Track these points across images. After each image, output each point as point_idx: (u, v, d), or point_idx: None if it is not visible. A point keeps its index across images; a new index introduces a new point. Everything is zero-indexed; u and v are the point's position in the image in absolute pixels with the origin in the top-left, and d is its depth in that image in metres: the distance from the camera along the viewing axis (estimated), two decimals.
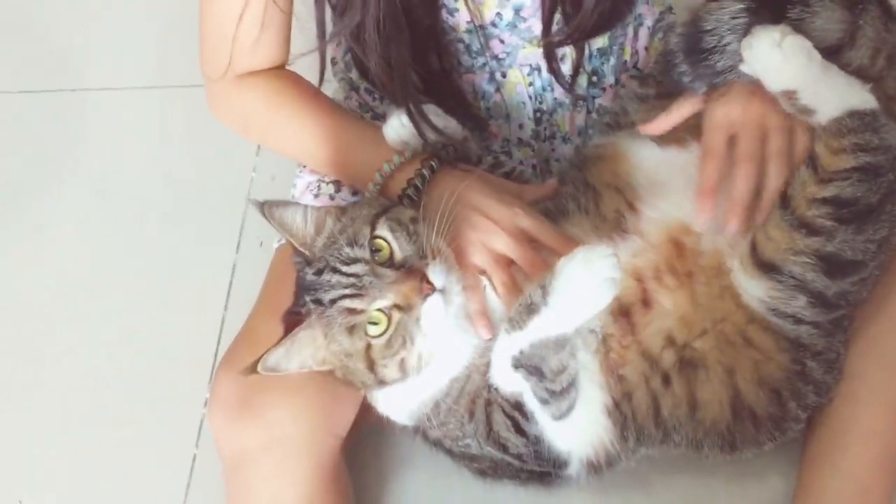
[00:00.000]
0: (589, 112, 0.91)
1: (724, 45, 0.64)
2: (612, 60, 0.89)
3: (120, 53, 1.30)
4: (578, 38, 0.81)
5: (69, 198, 1.17)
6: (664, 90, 0.76)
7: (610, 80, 0.90)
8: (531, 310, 0.61)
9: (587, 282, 0.59)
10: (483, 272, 0.69)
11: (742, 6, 0.64)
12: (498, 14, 0.83)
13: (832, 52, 0.65)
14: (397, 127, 0.75)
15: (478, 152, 0.81)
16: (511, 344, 0.63)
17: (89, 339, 1.04)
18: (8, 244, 1.14)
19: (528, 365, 0.62)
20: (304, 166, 0.86)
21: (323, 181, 0.83)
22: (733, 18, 0.64)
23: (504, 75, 0.87)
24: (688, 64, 0.66)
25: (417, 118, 0.74)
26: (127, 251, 1.10)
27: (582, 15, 0.77)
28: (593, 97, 0.90)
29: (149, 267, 1.08)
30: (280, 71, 0.82)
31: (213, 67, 0.80)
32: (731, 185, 0.65)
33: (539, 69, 0.86)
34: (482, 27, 0.83)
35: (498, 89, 0.88)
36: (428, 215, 0.68)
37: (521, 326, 0.61)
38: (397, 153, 0.75)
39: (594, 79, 0.89)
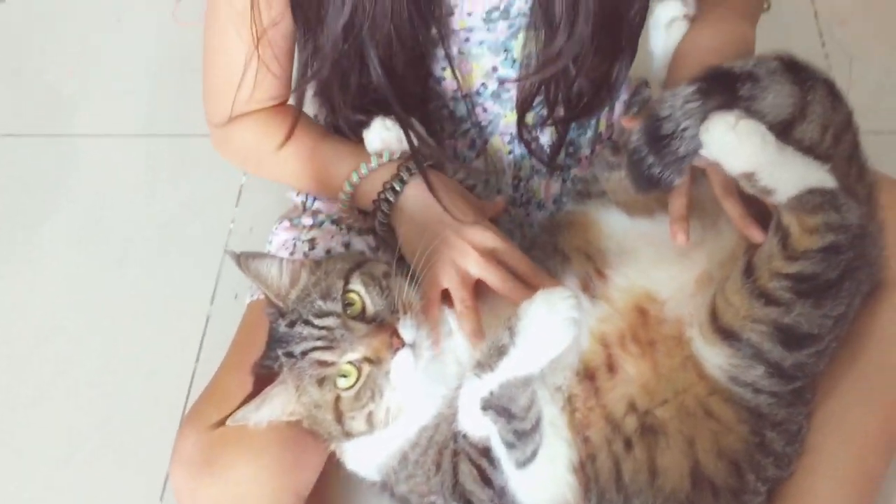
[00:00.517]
0: (564, 181, 0.93)
1: (682, 131, 0.66)
2: (589, 133, 0.92)
3: (107, 101, 1.32)
4: (558, 122, 0.85)
5: (49, 241, 1.18)
6: None
7: (585, 151, 0.92)
8: (501, 351, 0.62)
9: (549, 323, 0.61)
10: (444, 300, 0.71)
11: (693, 88, 0.66)
12: (483, 84, 0.86)
13: (785, 127, 0.67)
14: (380, 130, 0.78)
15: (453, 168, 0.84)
16: (481, 386, 0.64)
17: (62, 384, 1.04)
18: None
19: (498, 406, 0.63)
20: (280, 222, 0.88)
21: (298, 240, 0.84)
22: (686, 102, 0.66)
23: (485, 142, 0.90)
24: (653, 155, 0.68)
25: (404, 122, 0.77)
26: (104, 298, 1.11)
27: (565, 105, 0.82)
28: (569, 167, 0.93)
29: (125, 315, 1.08)
30: (274, 106, 0.85)
31: (216, 116, 0.85)
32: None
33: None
34: (467, 95, 0.86)
35: (479, 155, 0.90)
36: (404, 242, 0.71)
37: (491, 368, 0.62)
38: (375, 156, 0.78)
39: (570, 150, 0.92)
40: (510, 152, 0.90)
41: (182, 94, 1.29)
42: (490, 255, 0.71)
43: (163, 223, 1.17)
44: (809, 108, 0.68)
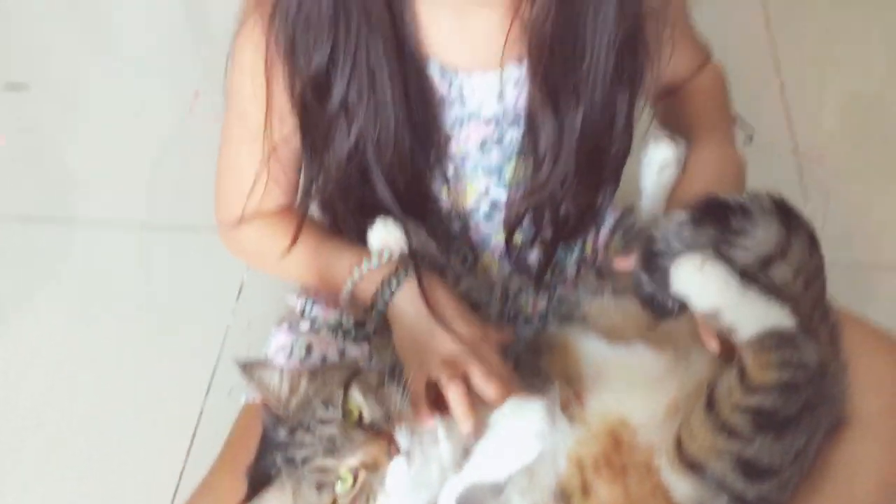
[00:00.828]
0: (550, 299, 0.98)
1: (674, 253, 0.71)
2: (575, 254, 0.97)
3: (120, 189, 1.37)
4: (545, 243, 0.90)
5: (46, 325, 1.20)
6: (620, 286, 0.83)
7: (571, 271, 0.97)
8: (466, 454, 0.66)
9: (516, 432, 0.65)
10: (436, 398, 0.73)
11: (688, 216, 0.71)
12: (476, 204, 0.91)
13: (765, 263, 0.72)
14: (382, 231, 0.82)
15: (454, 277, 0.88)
16: (452, 487, 0.67)
17: (50, 474, 1.05)
18: None
19: None
20: (279, 326, 0.92)
21: (296, 344, 0.88)
22: (681, 228, 0.71)
23: (476, 258, 0.95)
24: (647, 275, 0.72)
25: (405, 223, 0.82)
26: (98, 386, 1.13)
27: (552, 227, 0.88)
28: (555, 286, 0.98)
29: (118, 405, 1.10)
30: (280, 210, 0.90)
31: (225, 219, 0.90)
32: None
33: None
34: (461, 214, 0.92)
35: (470, 270, 0.95)
36: (398, 347, 0.75)
37: (458, 469, 0.66)
38: (376, 255, 0.82)
39: (557, 269, 0.97)
40: (499, 269, 0.95)
41: (194, 186, 1.35)
42: (482, 357, 0.74)
43: (160, 315, 1.21)
44: (790, 250, 0.73)
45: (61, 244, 1.30)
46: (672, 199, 0.83)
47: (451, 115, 0.84)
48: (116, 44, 1.62)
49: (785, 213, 0.72)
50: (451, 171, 0.88)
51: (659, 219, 0.76)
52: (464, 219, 0.92)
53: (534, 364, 0.81)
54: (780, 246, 0.72)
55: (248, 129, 0.84)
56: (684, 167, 0.84)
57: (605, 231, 1.00)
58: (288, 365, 0.86)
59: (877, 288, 1.19)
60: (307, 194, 0.85)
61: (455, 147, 0.87)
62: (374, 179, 0.83)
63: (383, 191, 0.83)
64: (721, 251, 0.71)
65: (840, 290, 1.18)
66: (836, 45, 1.56)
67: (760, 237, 0.71)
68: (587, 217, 0.90)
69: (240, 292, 1.22)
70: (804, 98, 1.45)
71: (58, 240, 1.31)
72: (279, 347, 0.89)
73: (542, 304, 0.97)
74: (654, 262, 0.72)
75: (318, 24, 0.75)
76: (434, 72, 0.81)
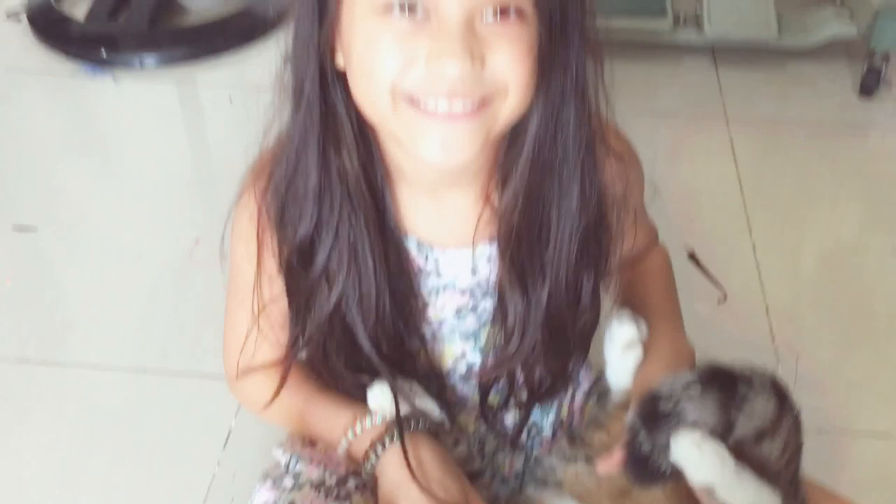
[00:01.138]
0: (527, 459, 1.01)
1: (679, 412, 0.74)
2: (551, 416, 1.01)
3: (109, 332, 1.41)
4: (520, 405, 0.95)
5: (32, 467, 1.22)
6: (592, 453, 0.87)
7: (547, 433, 1.01)
8: None
9: None
10: None
11: (695, 378, 0.75)
12: (453, 366, 0.96)
13: (759, 436, 0.75)
14: (378, 395, 0.86)
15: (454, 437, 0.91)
16: None
17: None
18: None
19: None
20: (263, 482, 0.95)
21: (279, 501, 0.90)
22: (687, 387, 0.75)
23: (454, 418, 0.98)
24: (646, 430, 0.75)
25: (396, 390, 0.86)
26: None
27: (526, 392, 0.92)
28: (532, 447, 1.01)
29: None
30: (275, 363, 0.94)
31: (228, 371, 0.96)
32: None
33: None
34: (439, 375, 0.96)
35: (449, 430, 0.99)
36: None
37: None
38: (366, 418, 0.86)
39: (533, 431, 1.01)
40: (476, 430, 0.99)
41: (187, 333, 1.40)
42: None
43: (146, 460, 1.23)
44: (781, 427, 0.76)
45: (54, 386, 1.33)
46: (636, 380, 0.87)
47: (427, 283, 0.89)
48: (123, 189, 1.70)
49: (780, 393, 0.76)
50: (429, 335, 0.93)
51: (665, 378, 0.78)
52: (441, 379, 0.96)
53: None
54: (773, 422, 0.76)
55: (242, 290, 0.90)
56: (645, 350, 0.89)
57: (580, 394, 1.05)
58: None
59: (846, 452, 1.22)
60: (292, 349, 0.90)
61: (432, 313, 0.92)
62: (359, 339, 0.87)
63: (369, 351, 0.87)
64: (728, 416, 0.74)
65: (809, 455, 1.22)
66: (807, 207, 1.65)
67: (759, 410, 0.75)
68: (559, 381, 0.95)
69: (227, 441, 1.24)
70: (776, 259, 1.52)
71: (51, 382, 1.34)
72: None
73: (518, 463, 1.00)
74: (658, 421, 0.75)
75: (305, 199, 0.81)
76: (412, 246, 0.87)
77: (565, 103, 0.77)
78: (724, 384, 0.75)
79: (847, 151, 1.78)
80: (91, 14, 2.07)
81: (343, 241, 0.82)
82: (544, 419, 1.01)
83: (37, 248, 1.57)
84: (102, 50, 1.97)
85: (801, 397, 1.32)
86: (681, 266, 1.33)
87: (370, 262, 0.83)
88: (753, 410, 0.75)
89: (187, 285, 1.48)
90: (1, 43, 2.05)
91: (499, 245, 0.85)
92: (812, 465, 1.21)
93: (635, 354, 0.88)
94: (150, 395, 1.32)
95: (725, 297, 1.40)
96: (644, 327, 0.90)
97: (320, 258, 0.83)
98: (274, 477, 0.95)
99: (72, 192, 1.68)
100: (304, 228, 0.82)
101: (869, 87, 1.86)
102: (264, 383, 0.93)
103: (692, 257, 1.49)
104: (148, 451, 1.24)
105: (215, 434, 1.25)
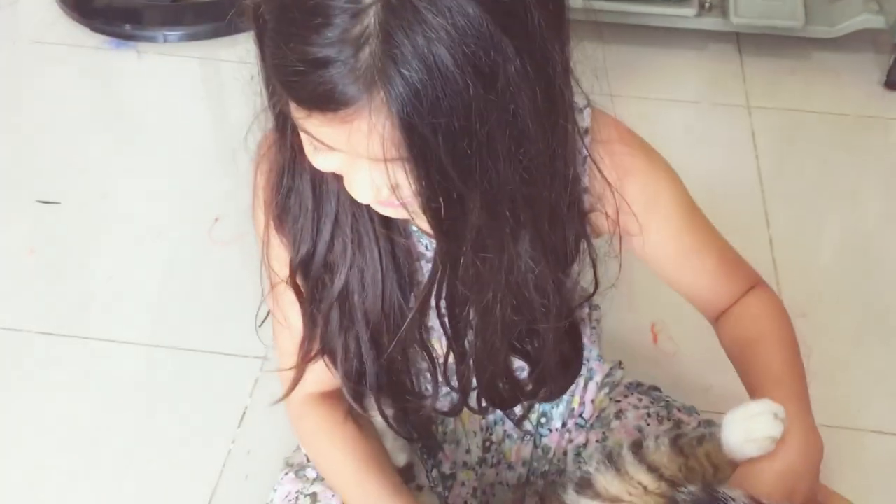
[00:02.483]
0: (535, 447, 1.03)
1: None
2: (561, 407, 1.02)
3: (128, 307, 1.43)
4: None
5: (47, 441, 1.25)
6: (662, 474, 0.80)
7: (557, 423, 1.02)
8: None
9: None
10: None
11: None
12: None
13: None
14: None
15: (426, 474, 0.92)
16: None
17: None
18: None
19: None
20: (286, 473, 0.96)
21: (301, 493, 0.92)
22: None
23: (462, 405, 1.00)
24: None
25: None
26: (98, 499, 1.17)
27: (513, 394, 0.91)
28: (540, 435, 1.03)
29: None
30: (324, 400, 0.93)
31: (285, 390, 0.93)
32: None
33: None
34: (445, 363, 0.95)
35: (456, 416, 1.00)
36: None
37: None
38: None
39: (543, 420, 1.02)
40: (483, 418, 1.00)
41: (205, 310, 1.42)
42: None
43: (162, 437, 1.25)
44: None
45: (74, 359, 1.36)
46: (746, 466, 0.79)
47: (425, 269, 0.87)
48: (144, 164, 1.72)
49: None
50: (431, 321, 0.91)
51: None
52: (448, 367, 0.96)
53: None
54: None
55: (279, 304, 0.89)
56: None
57: (592, 385, 1.06)
58: None
59: (856, 449, 1.23)
60: (302, 352, 0.88)
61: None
62: (357, 331, 0.85)
63: (366, 349, 0.86)
64: None
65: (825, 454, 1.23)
66: (827, 201, 1.64)
67: None
68: (562, 378, 0.93)
69: (242, 418, 1.26)
70: (792, 253, 1.52)
71: (71, 354, 1.36)
72: (283, 496, 0.92)
73: (525, 450, 1.02)
74: None
75: (303, 193, 0.80)
76: (413, 230, 0.86)
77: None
78: None
79: (870, 144, 1.77)
80: None
81: (344, 229, 0.81)
82: (554, 409, 1.02)
83: (60, 222, 1.59)
84: (127, 24, 1.98)
85: (812, 392, 1.33)
86: None
87: (374, 248, 0.82)
88: None
89: (206, 263, 1.50)
90: (26, 16, 2.07)
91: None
92: (825, 463, 1.22)
93: (762, 449, 0.78)
94: (167, 370, 1.34)
95: None
96: (783, 424, 0.78)
97: (320, 249, 0.82)
98: (296, 467, 0.97)
99: (94, 167, 1.70)
100: (303, 220, 0.81)
101: (895, 79, 1.84)
102: (315, 412, 0.91)
103: None
104: (164, 427, 1.27)
105: (231, 411, 1.27)
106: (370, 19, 0.59)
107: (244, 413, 1.27)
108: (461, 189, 0.65)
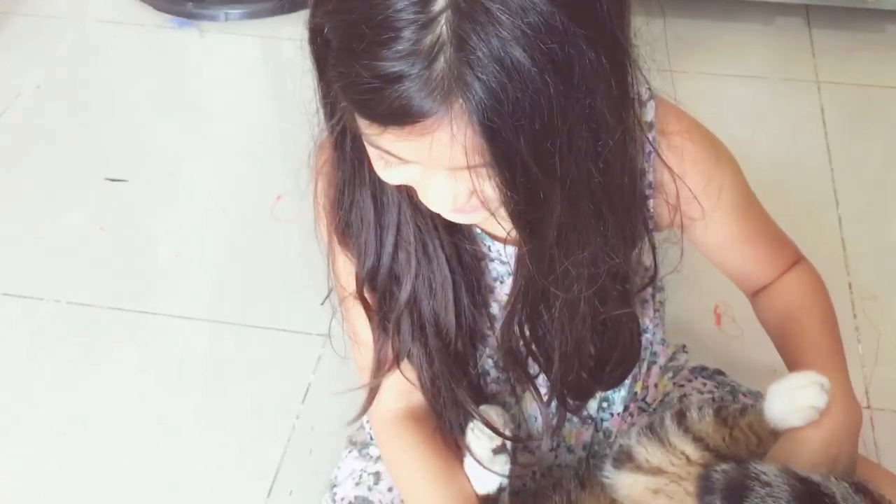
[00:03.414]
0: (596, 431, 1.03)
1: None
2: (623, 392, 1.02)
3: (194, 284, 1.46)
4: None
5: (114, 414, 1.28)
6: (708, 444, 0.81)
7: (618, 408, 1.02)
8: None
9: None
10: None
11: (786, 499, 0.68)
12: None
13: None
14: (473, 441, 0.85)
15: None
16: None
17: None
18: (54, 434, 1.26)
19: None
20: (349, 451, 0.97)
21: (365, 471, 0.93)
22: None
23: (523, 389, 1.00)
24: None
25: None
26: (163, 474, 1.20)
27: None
28: (602, 420, 1.02)
29: (182, 499, 1.17)
30: (408, 420, 0.91)
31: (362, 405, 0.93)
32: None
33: None
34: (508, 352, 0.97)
35: (517, 401, 1.00)
36: None
37: None
38: None
39: (604, 405, 1.02)
40: (577, 410, 0.99)
41: (267, 287, 1.44)
42: None
43: (227, 412, 1.28)
44: None
45: (142, 334, 1.39)
46: (791, 434, 0.80)
47: (492, 270, 0.88)
48: (208, 142, 1.74)
49: None
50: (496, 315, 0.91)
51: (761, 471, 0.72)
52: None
53: (572, 495, 0.85)
54: None
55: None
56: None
57: (655, 369, 1.05)
58: (356, 492, 0.92)
59: None
60: (379, 368, 0.88)
61: (498, 299, 0.90)
62: (428, 337, 0.85)
63: (438, 349, 0.86)
64: None
65: (889, 436, 1.20)
66: (895, 185, 1.59)
67: None
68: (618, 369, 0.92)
69: (306, 394, 1.29)
70: (862, 233, 1.48)
71: (139, 330, 1.40)
72: (348, 474, 0.94)
73: (586, 434, 1.02)
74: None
75: (364, 208, 0.80)
76: (477, 236, 0.86)
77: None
78: None
79: None
80: None
81: (408, 238, 0.81)
82: (615, 393, 1.02)
83: (128, 199, 1.63)
84: (189, 3, 2.01)
85: (882, 376, 1.30)
86: None
87: (441, 255, 0.82)
88: None
89: (269, 241, 1.52)
90: None
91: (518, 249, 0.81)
92: (889, 446, 1.20)
93: (808, 417, 0.79)
94: (231, 346, 1.37)
95: None
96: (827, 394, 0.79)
97: (385, 260, 0.82)
98: (360, 446, 0.98)
99: (160, 145, 1.73)
100: (366, 234, 0.81)
101: None
102: (412, 433, 0.90)
103: None
104: (229, 403, 1.29)
105: (295, 387, 1.30)
106: (441, 28, 0.58)
107: (308, 389, 1.29)
108: (545, 187, 0.64)
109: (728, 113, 1.70)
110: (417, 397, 0.90)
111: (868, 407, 1.23)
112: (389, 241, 0.81)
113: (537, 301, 0.81)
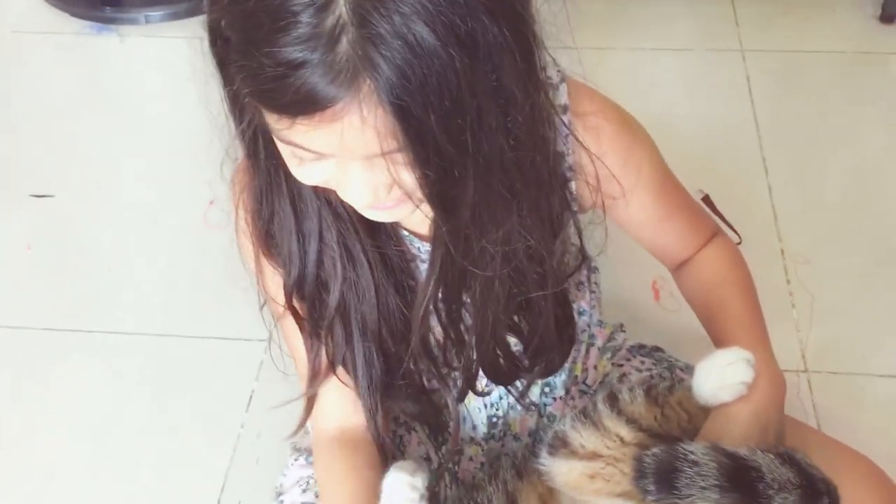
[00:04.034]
0: (541, 416, 1.03)
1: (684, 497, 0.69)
2: (564, 375, 1.02)
3: (129, 298, 1.43)
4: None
5: (58, 436, 1.26)
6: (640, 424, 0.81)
7: (560, 392, 1.02)
8: None
9: None
10: None
11: (715, 480, 0.69)
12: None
13: None
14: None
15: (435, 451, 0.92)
16: None
17: None
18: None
19: None
20: (296, 459, 0.96)
21: (312, 478, 0.92)
22: (706, 484, 0.69)
23: (441, 380, 0.99)
24: (656, 493, 0.71)
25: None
26: (110, 486, 1.18)
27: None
28: (545, 405, 1.03)
29: None
30: (346, 445, 0.90)
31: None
32: None
33: None
34: (446, 351, 0.96)
35: (462, 397, 1.00)
36: None
37: None
38: None
39: (546, 389, 1.02)
40: (488, 393, 1.00)
41: (205, 296, 1.42)
42: None
43: (172, 423, 1.26)
44: None
45: (78, 353, 1.36)
46: (719, 411, 0.81)
47: (423, 269, 0.87)
48: (135, 150, 1.70)
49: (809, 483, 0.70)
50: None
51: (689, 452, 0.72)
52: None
53: (506, 486, 0.86)
54: None
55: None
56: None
57: (594, 351, 1.06)
58: (303, 499, 0.91)
59: (861, 395, 1.23)
60: (314, 376, 0.88)
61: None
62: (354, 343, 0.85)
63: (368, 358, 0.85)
64: None
65: (827, 398, 1.23)
66: (826, 144, 1.61)
67: None
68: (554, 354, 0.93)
69: (249, 402, 1.27)
70: (792, 200, 1.50)
71: (75, 348, 1.37)
72: (294, 482, 0.93)
73: (531, 421, 1.02)
74: (668, 487, 0.71)
75: (284, 215, 0.79)
76: (405, 237, 0.86)
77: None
78: (745, 487, 0.69)
79: (868, 81, 1.74)
80: None
81: (330, 244, 0.80)
82: (557, 378, 1.02)
83: (55, 215, 1.58)
84: (106, 7, 1.96)
85: (815, 339, 1.33)
86: None
87: (363, 259, 0.81)
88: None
89: (204, 248, 1.50)
90: (6, 5, 2.04)
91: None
92: (829, 408, 1.22)
93: (735, 394, 0.81)
94: (170, 359, 1.35)
95: (740, 240, 1.39)
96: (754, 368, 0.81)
97: (310, 268, 0.81)
98: (305, 453, 0.97)
99: (85, 156, 1.69)
100: (288, 243, 0.80)
101: (890, 12, 1.81)
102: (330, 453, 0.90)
103: (706, 200, 1.48)
104: (172, 416, 1.27)
105: (238, 396, 1.28)
106: (340, 8, 0.57)
107: (251, 397, 1.28)
108: (459, 165, 0.64)
109: (658, 86, 1.71)
110: (358, 418, 0.89)
111: (805, 370, 1.25)
112: (313, 248, 0.80)
113: (454, 283, 0.80)
